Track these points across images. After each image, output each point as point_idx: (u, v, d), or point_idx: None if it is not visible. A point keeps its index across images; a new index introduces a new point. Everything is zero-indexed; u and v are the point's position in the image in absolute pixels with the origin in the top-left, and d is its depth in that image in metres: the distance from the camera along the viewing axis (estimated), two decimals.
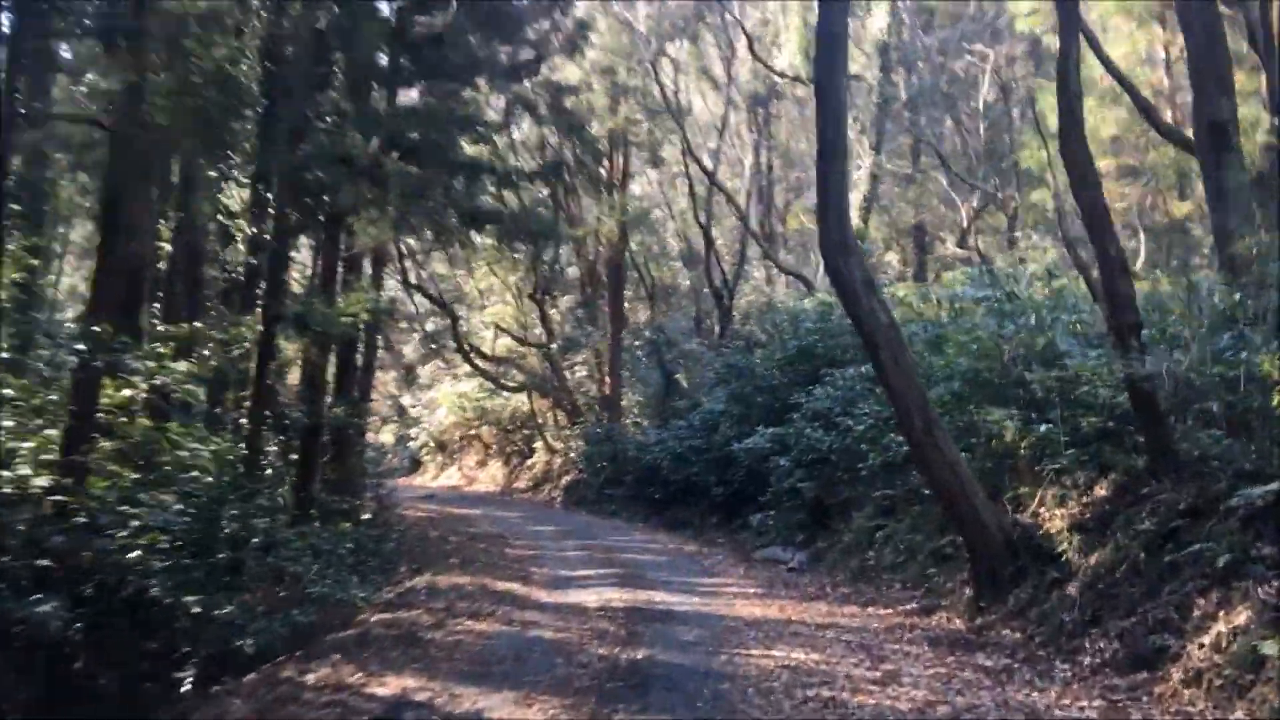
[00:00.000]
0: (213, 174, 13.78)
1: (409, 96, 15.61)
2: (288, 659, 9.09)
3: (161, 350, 11.33)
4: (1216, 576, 6.81)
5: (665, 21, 26.36)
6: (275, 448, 14.01)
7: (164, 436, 10.91)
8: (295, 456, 13.95)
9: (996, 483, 10.12)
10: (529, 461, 30.38)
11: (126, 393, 10.70)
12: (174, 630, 9.46)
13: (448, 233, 13.75)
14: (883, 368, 9.52)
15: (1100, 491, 9.09)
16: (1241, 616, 6.31)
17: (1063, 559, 8.74)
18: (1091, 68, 16.90)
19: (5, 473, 9.25)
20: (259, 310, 13.07)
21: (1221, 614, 6.50)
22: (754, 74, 27.10)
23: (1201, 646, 6.43)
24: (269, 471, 13.59)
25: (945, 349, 11.37)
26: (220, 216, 14.24)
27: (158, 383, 11.02)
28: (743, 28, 26.45)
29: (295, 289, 15.35)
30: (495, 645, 9.02)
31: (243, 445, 12.51)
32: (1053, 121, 18.01)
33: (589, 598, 11.67)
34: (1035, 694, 6.91)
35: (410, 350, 33.29)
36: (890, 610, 10.41)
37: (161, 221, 14.01)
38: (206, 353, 12.92)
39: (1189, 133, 13.74)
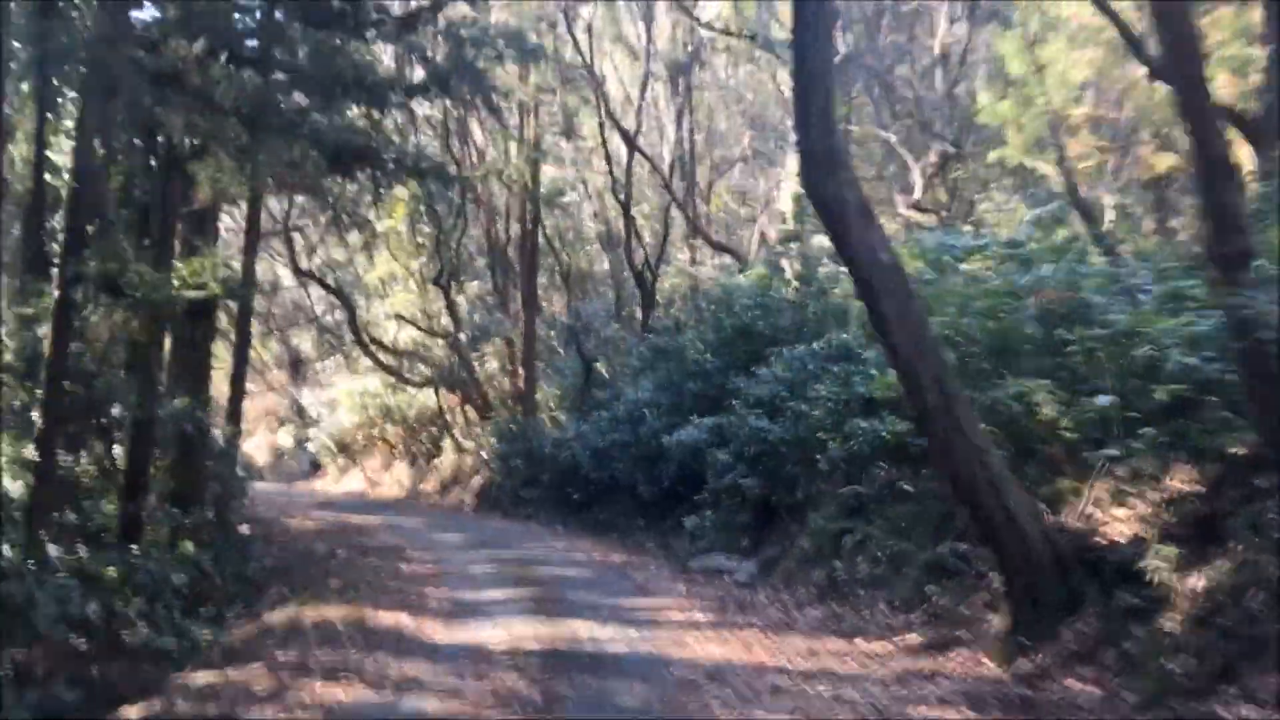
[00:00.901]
0: None
1: None
2: None
3: None
4: None
5: None
6: (87, 453, 10.77)
7: None
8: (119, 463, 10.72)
9: (1024, 478, 7.49)
10: (436, 462, 27.20)
11: None
12: None
13: (304, 174, 10.66)
14: (884, 322, 6.82)
15: (1178, 484, 6.54)
16: None
17: (1144, 579, 6.14)
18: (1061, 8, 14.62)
19: None
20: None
21: None
22: (674, 40, 24.38)
23: None
24: (85, 481, 10.35)
25: (942, 308, 8.75)
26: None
27: None
28: None
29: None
30: None
31: (34, 446, 9.27)
32: (1015, 69, 15.74)
33: (495, 635, 8.78)
34: None
35: (309, 345, 29.83)
36: (887, 644, 7.74)
37: None
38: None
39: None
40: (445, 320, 25.86)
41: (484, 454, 23.94)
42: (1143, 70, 12.51)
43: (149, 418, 10.61)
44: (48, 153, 10.52)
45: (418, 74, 16.59)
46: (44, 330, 10.18)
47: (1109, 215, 13.47)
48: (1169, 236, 13.23)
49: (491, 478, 23.40)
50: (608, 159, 23.58)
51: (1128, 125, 14.19)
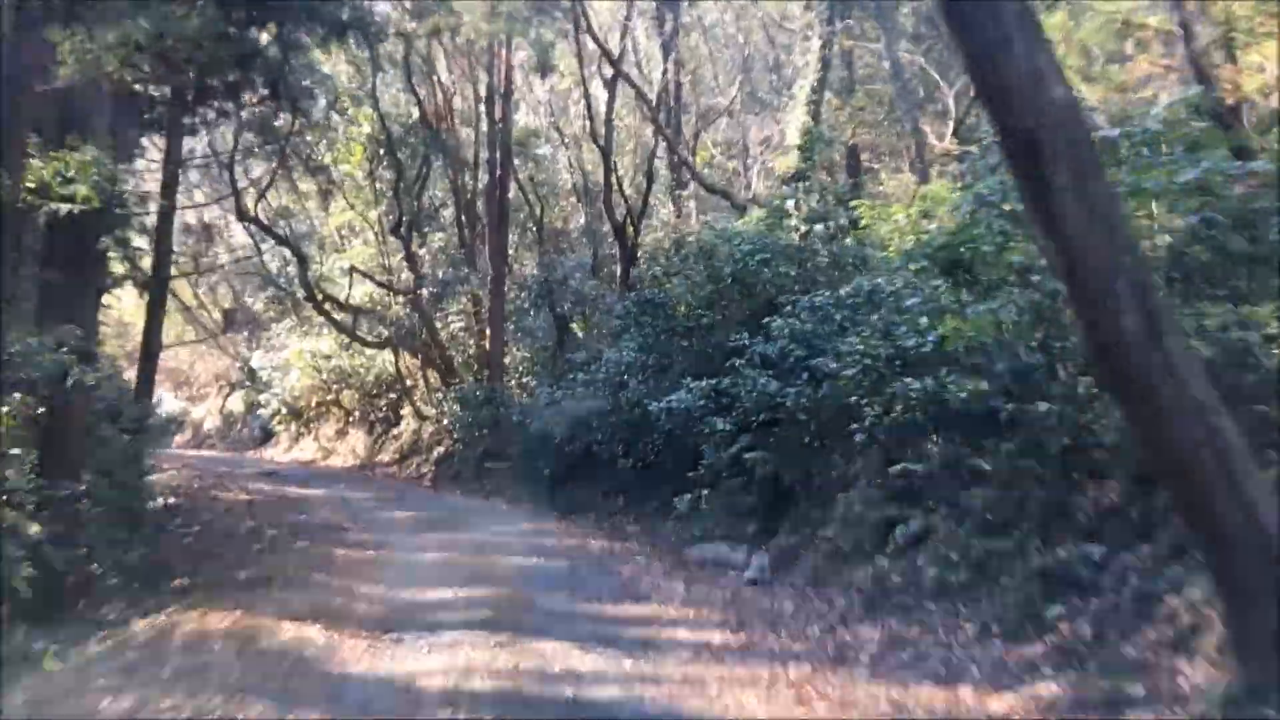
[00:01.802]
0: None
1: None
2: None
3: None
4: None
5: None
6: None
7: None
8: None
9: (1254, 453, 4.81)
10: (395, 431, 24.27)
11: None
12: None
13: (201, 39, 7.68)
14: (1051, 199, 4.09)
15: None
16: None
17: None
18: None
19: None
20: None
21: None
22: None
23: None
24: None
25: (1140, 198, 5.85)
26: None
27: None
28: None
29: None
30: None
31: None
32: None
33: (434, 664, 6.08)
34: None
35: (260, 303, 26.64)
36: (1015, 698, 5.07)
37: None
38: None
39: None
40: (406, 276, 22.87)
41: (446, 422, 21.10)
42: None
43: None
44: None
45: None
46: None
47: None
48: None
49: (453, 448, 20.60)
50: (586, 97, 20.68)
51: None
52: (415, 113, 22.32)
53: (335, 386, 26.34)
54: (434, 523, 13.91)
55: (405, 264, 22.50)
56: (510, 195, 22.17)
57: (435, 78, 22.52)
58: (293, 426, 28.35)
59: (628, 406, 14.33)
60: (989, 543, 6.87)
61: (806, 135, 14.65)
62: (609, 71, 20.54)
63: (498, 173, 21.45)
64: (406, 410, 23.84)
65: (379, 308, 23.89)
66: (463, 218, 22.89)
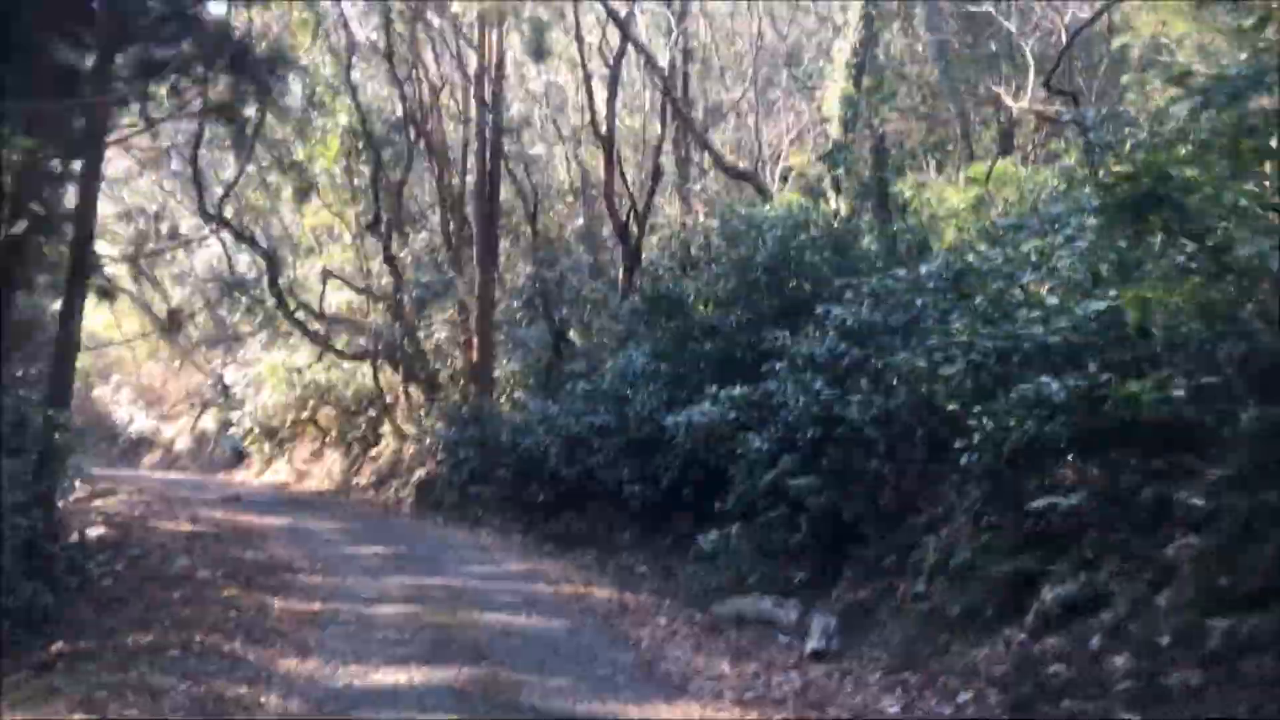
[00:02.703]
0: None
1: None
2: None
3: None
4: None
5: None
6: None
7: None
8: None
9: None
10: (374, 451, 21.62)
11: None
12: None
13: None
14: None
15: None
16: None
17: None
18: None
19: None
20: None
21: None
22: None
23: None
24: None
25: None
26: None
27: None
28: None
29: None
30: None
31: None
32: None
33: None
34: None
35: (226, 310, 24.03)
36: None
37: None
38: None
39: None
40: (387, 280, 20.34)
41: (429, 442, 18.48)
42: None
43: None
44: None
45: None
46: None
47: None
48: None
49: (436, 471, 17.96)
50: (587, 81, 18.26)
51: None
52: (398, 106, 19.92)
53: (311, 403, 23.68)
54: (404, 562, 11.31)
55: (385, 267, 19.96)
56: (502, 198, 19.71)
57: (418, 69, 20.05)
58: (265, 447, 25.64)
59: (636, 422, 11.81)
60: (1222, 619, 4.35)
61: (847, 105, 12.19)
62: (610, 62, 18.19)
63: (487, 166, 18.97)
64: (386, 429, 21.20)
65: (357, 316, 21.31)
66: (449, 217, 20.38)
